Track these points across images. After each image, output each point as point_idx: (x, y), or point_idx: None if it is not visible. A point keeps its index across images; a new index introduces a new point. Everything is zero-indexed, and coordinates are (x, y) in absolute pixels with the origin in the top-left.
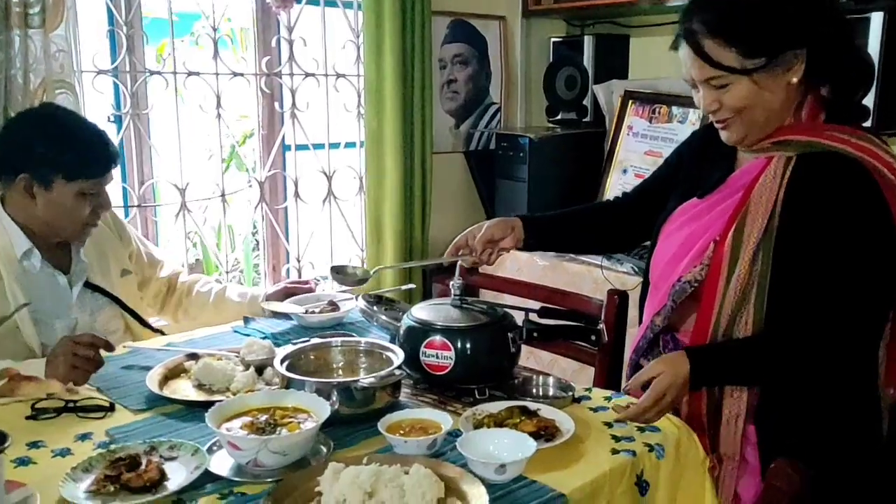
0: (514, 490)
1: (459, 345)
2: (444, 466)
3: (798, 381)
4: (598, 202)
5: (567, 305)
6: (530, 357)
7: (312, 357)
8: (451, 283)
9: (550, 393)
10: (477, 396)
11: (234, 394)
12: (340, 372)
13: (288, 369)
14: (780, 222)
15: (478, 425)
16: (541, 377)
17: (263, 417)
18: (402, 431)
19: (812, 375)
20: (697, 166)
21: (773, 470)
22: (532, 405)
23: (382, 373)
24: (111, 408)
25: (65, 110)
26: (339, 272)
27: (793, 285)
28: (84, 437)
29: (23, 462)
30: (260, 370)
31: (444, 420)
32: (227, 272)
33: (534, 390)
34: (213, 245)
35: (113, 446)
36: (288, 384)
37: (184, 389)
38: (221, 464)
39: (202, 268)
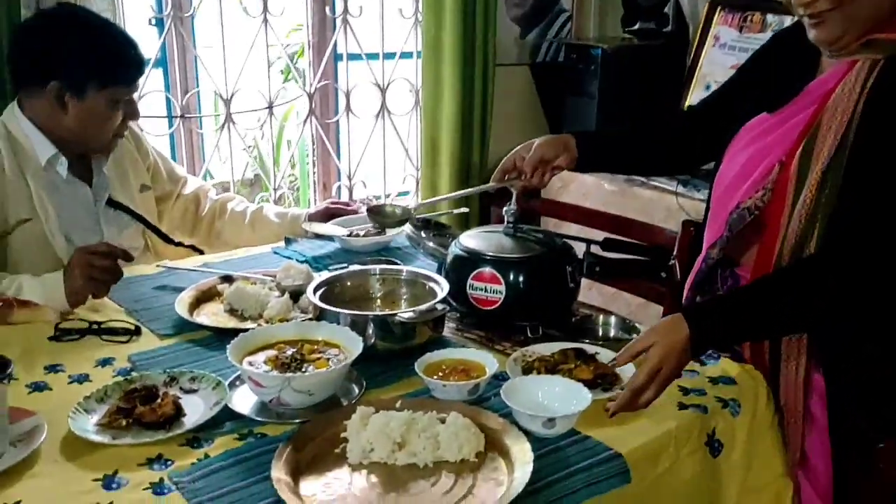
0: (563, 447)
1: (511, 277)
2: (485, 416)
3: (834, 321)
4: (663, 117)
5: (635, 236)
6: (591, 290)
7: (349, 285)
8: (505, 209)
9: (612, 334)
10: (529, 335)
11: (267, 321)
12: (379, 303)
13: (322, 298)
14: (855, 138)
15: (527, 369)
16: (601, 316)
17: (290, 351)
18: (441, 373)
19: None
20: (774, 75)
21: (884, 451)
22: (590, 348)
23: (424, 306)
24: (136, 331)
25: (85, 10)
26: (376, 213)
27: (859, 210)
28: (105, 362)
29: (38, 388)
30: (296, 297)
31: (488, 362)
32: (275, 189)
33: (593, 331)
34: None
35: (134, 374)
36: (320, 315)
37: (215, 314)
38: (243, 400)
39: (260, 185)
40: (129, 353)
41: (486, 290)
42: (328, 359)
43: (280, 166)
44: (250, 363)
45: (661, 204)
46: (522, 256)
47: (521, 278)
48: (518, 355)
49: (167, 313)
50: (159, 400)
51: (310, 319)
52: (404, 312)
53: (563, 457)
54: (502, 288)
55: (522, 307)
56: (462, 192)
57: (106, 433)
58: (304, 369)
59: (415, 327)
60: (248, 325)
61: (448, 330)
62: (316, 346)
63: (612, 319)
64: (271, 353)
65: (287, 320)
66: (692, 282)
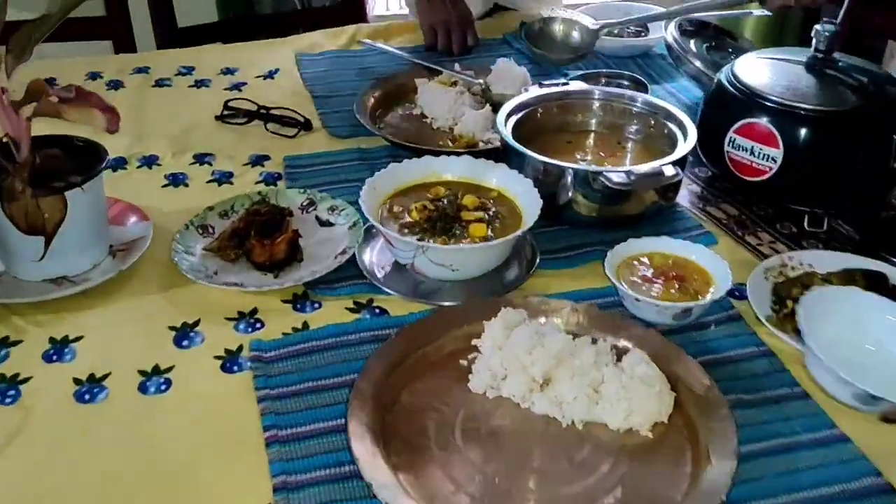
0: (798, 447)
1: (796, 139)
2: (685, 365)
3: None
4: None
5: None
6: None
7: (556, 111)
8: (818, 26)
9: None
10: (807, 228)
11: (456, 140)
12: (592, 144)
13: (516, 129)
14: None
15: (783, 290)
16: None
17: (446, 201)
18: (642, 274)
19: None
20: None
21: None
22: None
23: (645, 167)
24: (306, 125)
25: None
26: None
27: None
28: (257, 160)
29: (175, 181)
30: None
31: (719, 271)
32: None
33: None
34: None
35: (278, 185)
36: (504, 151)
37: (403, 118)
38: (378, 255)
39: None
40: (287, 152)
41: (752, 153)
42: (489, 220)
43: None
44: (391, 209)
45: None
46: (821, 109)
47: (812, 142)
48: (774, 263)
49: (346, 106)
50: (279, 233)
51: (491, 150)
52: (615, 171)
53: (793, 461)
54: (779, 153)
55: (806, 185)
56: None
57: (209, 263)
58: (452, 230)
59: (630, 193)
60: (427, 142)
61: (685, 196)
62: (484, 199)
63: None
64: (426, 197)
65: (475, 145)
66: None
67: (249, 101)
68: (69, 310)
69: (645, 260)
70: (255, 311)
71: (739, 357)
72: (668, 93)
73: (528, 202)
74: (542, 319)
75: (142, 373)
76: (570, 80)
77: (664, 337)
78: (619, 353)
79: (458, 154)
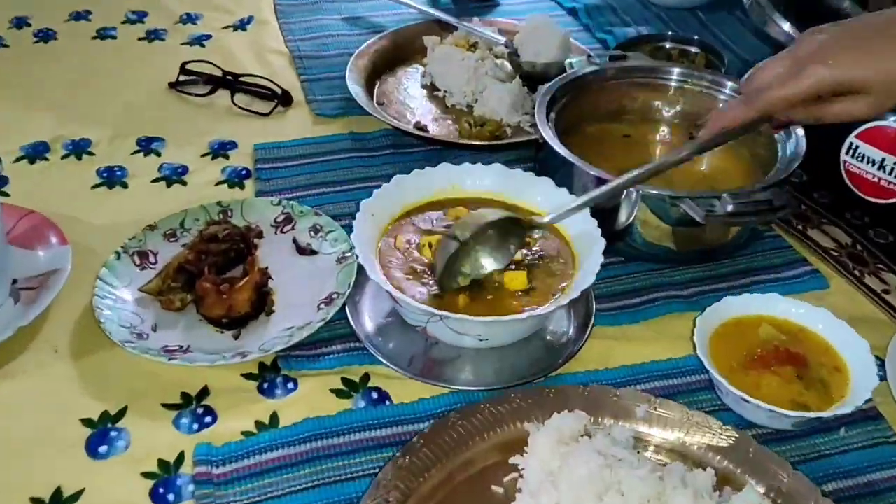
0: None
1: None
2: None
3: None
4: None
5: None
6: None
7: (610, 94)
8: None
9: None
10: None
11: (476, 124)
12: (665, 135)
13: (559, 120)
14: None
15: None
16: None
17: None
18: (749, 354)
19: None
20: None
21: None
22: None
23: (762, 194)
24: (284, 99)
25: None
26: None
27: None
28: (219, 149)
29: (111, 178)
30: (534, 83)
31: (858, 354)
32: None
33: None
34: None
35: (246, 187)
36: (542, 152)
37: (404, 88)
38: (374, 304)
39: None
40: (259, 136)
41: (881, 166)
42: (530, 265)
43: None
44: (396, 240)
45: None
46: None
47: None
48: None
49: (339, 71)
50: (242, 275)
51: (524, 143)
52: (695, 199)
53: None
54: None
55: None
56: None
57: (146, 313)
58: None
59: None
60: (440, 124)
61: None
62: (520, 221)
63: None
64: (441, 221)
65: (500, 134)
66: None
67: (213, 64)
68: None
69: (747, 329)
70: (204, 392)
71: (885, 484)
72: (745, 62)
73: (585, 240)
74: (612, 429)
75: (35, 503)
76: (625, 43)
77: (793, 468)
78: (721, 484)
79: (486, 160)
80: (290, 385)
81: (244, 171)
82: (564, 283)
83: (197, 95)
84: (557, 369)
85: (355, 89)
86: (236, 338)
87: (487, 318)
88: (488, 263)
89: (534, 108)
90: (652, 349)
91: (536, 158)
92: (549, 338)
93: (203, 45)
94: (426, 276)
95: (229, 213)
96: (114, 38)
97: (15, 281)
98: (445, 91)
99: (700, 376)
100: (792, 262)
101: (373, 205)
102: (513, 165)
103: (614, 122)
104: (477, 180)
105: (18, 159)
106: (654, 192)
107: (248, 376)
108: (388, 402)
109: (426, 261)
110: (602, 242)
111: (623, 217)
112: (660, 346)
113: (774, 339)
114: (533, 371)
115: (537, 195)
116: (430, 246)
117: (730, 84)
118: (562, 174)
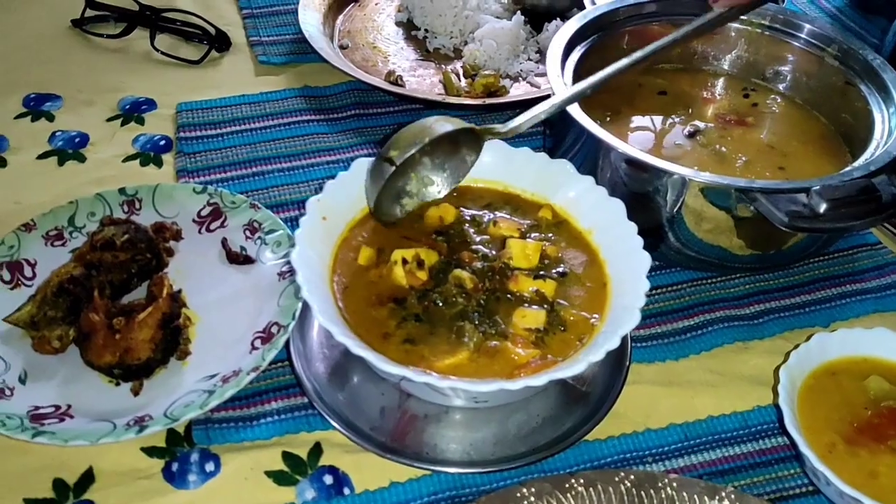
0: None
1: None
2: None
3: None
4: None
5: None
6: None
7: (641, 39)
8: None
9: None
10: None
11: (467, 73)
12: (704, 104)
13: (577, 73)
14: None
15: None
16: None
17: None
18: (853, 420)
19: None
20: None
21: None
22: None
23: (831, 178)
24: (219, 43)
25: None
26: None
27: None
28: (132, 111)
29: None
30: (539, 20)
31: None
32: None
33: None
34: None
35: (163, 164)
36: (561, 122)
37: (373, 26)
38: (324, 341)
39: None
40: (184, 94)
41: None
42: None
43: None
44: (356, 252)
45: None
46: None
47: None
48: None
49: (292, 4)
50: (146, 300)
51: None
52: (765, 191)
53: None
54: None
55: None
56: None
57: (12, 356)
58: (485, 309)
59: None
60: (419, 76)
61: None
62: (529, 222)
63: None
64: (424, 229)
65: (497, 90)
66: None
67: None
68: None
69: (848, 380)
70: (88, 477)
71: None
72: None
73: (621, 253)
74: None
75: None
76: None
77: None
78: None
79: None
80: (210, 465)
81: (163, 142)
82: (594, 318)
83: (107, 37)
84: (585, 435)
85: (310, 29)
86: (136, 393)
87: (487, 384)
88: (440, 180)
89: (539, 54)
90: (709, 398)
91: (547, 128)
92: (570, 382)
93: None
94: (399, 309)
95: (136, 206)
96: None
97: None
98: (427, 31)
99: (780, 440)
100: (885, 265)
101: (325, 204)
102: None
103: (646, 75)
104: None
105: None
106: (714, 180)
107: (150, 451)
108: (347, 491)
109: (397, 287)
110: (647, 261)
111: (664, 208)
112: (719, 393)
113: (890, 396)
114: (549, 438)
115: (557, 186)
116: (405, 264)
117: (807, 26)
118: (583, 150)
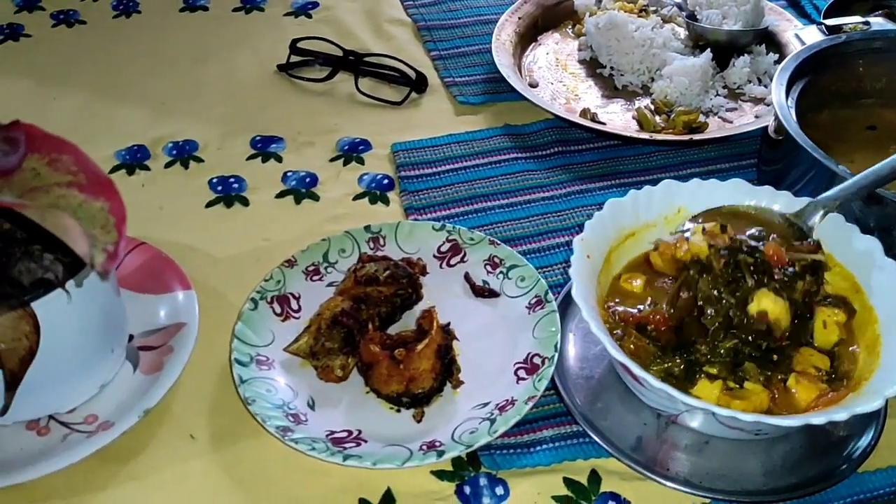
0: None
1: None
2: None
3: None
4: None
5: None
6: None
7: (851, 73)
8: None
9: None
10: None
11: (659, 109)
12: None
13: (807, 89)
14: None
15: None
16: None
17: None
18: None
19: None
20: None
21: None
22: None
23: None
24: (420, 84)
25: None
26: None
27: None
28: (350, 150)
29: (228, 193)
30: (725, 57)
31: None
32: None
33: None
34: None
35: (390, 201)
36: (784, 143)
37: (556, 64)
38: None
39: None
40: (394, 134)
41: None
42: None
43: None
44: (615, 278)
45: None
46: None
47: None
48: None
49: (475, 45)
50: (418, 331)
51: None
52: None
53: None
54: None
55: None
56: None
57: (297, 381)
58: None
59: None
60: (611, 112)
61: None
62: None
63: None
64: (673, 261)
65: (697, 128)
66: None
67: (329, 41)
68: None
69: None
70: (389, 499)
71: None
72: None
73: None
74: None
75: None
76: (837, 3)
77: None
78: None
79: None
80: (499, 489)
81: (385, 181)
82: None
83: (313, 81)
84: (858, 467)
85: (505, 70)
86: (418, 420)
87: (790, 417)
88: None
89: (726, 90)
90: None
91: (764, 159)
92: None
93: (310, 17)
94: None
95: (381, 242)
96: (205, 8)
97: (131, 337)
98: (612, 68)
99: None
100: None
101: (588, 242)
102: (724, 170)
103: (847, 107)
104: (709, 200)
105: (115, 169)
106: None
107: (439, 474)
108: None
109: (658, 319)
110: None
111: None
112: None
113: None
114: (818, 470)
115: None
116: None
117: None
118: (812, 182)
